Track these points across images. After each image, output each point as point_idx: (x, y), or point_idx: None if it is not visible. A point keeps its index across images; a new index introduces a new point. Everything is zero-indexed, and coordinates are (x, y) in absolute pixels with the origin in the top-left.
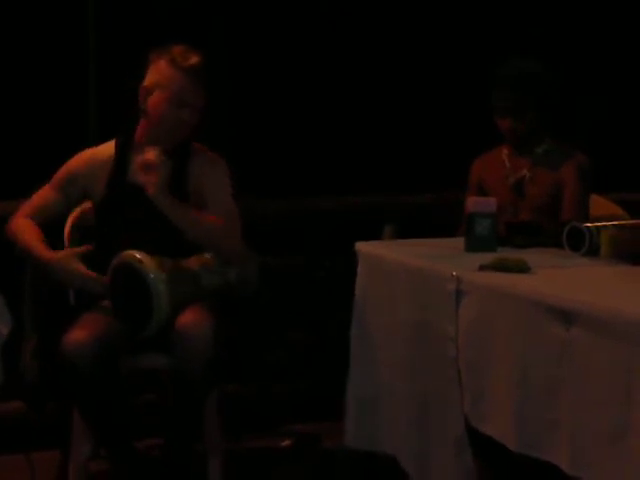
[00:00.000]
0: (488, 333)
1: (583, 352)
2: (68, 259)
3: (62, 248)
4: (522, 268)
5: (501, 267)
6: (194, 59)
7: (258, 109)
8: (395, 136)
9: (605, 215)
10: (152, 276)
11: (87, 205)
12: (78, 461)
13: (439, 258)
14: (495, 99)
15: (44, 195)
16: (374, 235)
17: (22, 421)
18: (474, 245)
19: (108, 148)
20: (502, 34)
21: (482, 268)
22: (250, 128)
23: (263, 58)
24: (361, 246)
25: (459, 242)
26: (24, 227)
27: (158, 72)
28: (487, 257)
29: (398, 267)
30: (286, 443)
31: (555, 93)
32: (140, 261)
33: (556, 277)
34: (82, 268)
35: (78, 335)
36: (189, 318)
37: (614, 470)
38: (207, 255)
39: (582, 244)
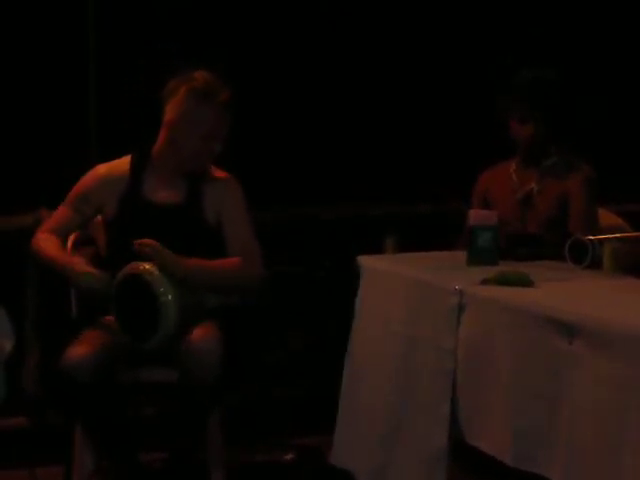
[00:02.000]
0: (489, 347)
1: (585, 365)
2: (80, 262)
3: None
4: (525, 282)
5: (504, 281)
6: (225, 94)
7: (258, 119)
8: (396, 147)
9: (606, 226)
10: (162, 289)
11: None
12: (81, 475)
13: (441, 272)
14: (515, 105)
15: (60, 214)
16: (374, 247)
17: (26, 436)
18: (476, 258)
19: (122, 165)
20: (502, 39)
21: (485, 282)
22: (251, 137)
23: (263, 66)
24: (363, 260)
25: (461, 255)
26: (44, 240)
27: (187, 105)
28: (489, 270)
29: (400, 281)
30: (289, 457)
31: (566, 102)
32: (150, 273)
33: (559, 290)
34: (87, 267)
35: (78, 351)
36: (198, 333)
37: None
38: None
39: (585, 257)
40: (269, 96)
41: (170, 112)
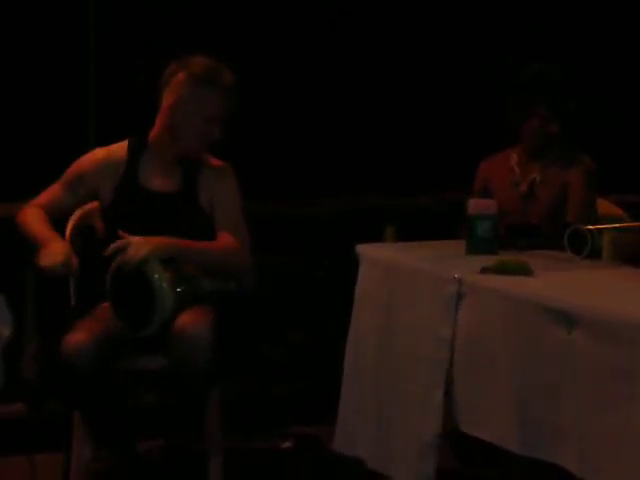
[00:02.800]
0: (488, 336)
1: (585, 354)
2: (56, 244)
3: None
4: (524, 271)
5: (503, 270)
6: (227, 76)
7: (259, 111)
8: (396, 137)
9: (606, 216)
10: (157, 276)
11: (88, 206)
12: (80, 462)
13: (440, 260)
14: (541, 104)
15: (53, 191)
16: (374, 237)
17: (24, 423)
18: (475, 247)
19: (120, 149)
20: (501, 35)
21: (484, 270)
22: (250, 130)
23: (263, 60)
24: (362, 248)
25: (460, 244)
26: (31, 214)
27: (188, 89)
28: (489, 259)
29: (399, 269)
30: (287, 445)
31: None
32: (145, 261)
33: (558, 280)
34: (59, 249)
35: (78, 337)
36: (187, 319)
37: (620, 472)
38: None
39: (584, 247)
40: (269, 90)
41: (170, 97)
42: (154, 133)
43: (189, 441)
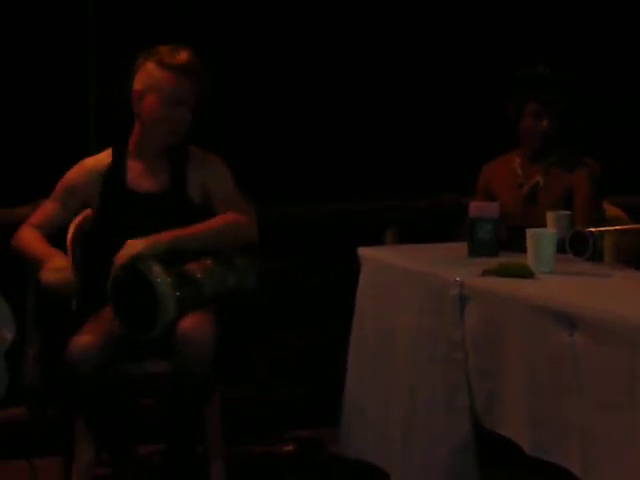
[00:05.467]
0: (495, 337)
1: (587, 357)
2: (57, 260)
3: (65, 251)
4: (525, 273)
5: (504, 272)
6: (182, 56)
7: (259, 115)
8: (396, 141)
9: (608, 219)
10: (159, 280)
11: (89, 211)
12: (81, 466)
13: (442, 263)
14: (532, 100)
15: (46, 208)
16: (375, 240)
17: (25, 427)
18: (476, 250)
19: (105, 157)
20: (500, 39)
21: (485, 273)
22: (250, 134)
23: (263, 64)
24: (363, 251)
25: (461, 247)
26: (26, 235)
27: (148, 75)
28: (490, 262)
29: (400, 272)
30: (289, 449)
31: (578, 98)
32: (147, 266)
33: (559, 282)
34: (61, 264)
35: (82, 341)
36: (190, 323)
37: (624, 475)
38: (208, 260)
39: (586, 249)
40: (271, 93)
41: (135, 85)
42: (134, 132)
43: (190, 445)
